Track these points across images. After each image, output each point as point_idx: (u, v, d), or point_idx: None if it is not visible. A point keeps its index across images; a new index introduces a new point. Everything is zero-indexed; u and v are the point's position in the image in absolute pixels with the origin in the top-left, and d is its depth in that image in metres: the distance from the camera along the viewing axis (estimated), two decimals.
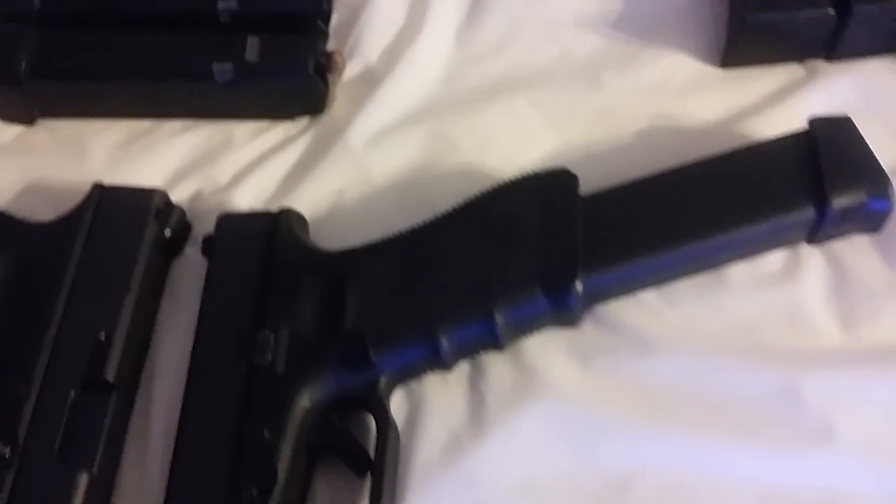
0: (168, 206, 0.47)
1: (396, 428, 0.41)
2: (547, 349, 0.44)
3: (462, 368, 0.44)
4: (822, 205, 0.43)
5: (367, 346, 0.41)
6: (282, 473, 0.38)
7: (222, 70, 0.48)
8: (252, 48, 0.48)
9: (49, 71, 0.49)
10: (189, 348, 0.43)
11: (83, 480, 0.39)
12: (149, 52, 0.49)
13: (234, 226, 0.45)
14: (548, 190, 0.44)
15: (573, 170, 0.45)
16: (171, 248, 0.47)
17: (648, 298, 0.44)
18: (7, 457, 0.39)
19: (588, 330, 0.44)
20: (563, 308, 0.42)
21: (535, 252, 0.42)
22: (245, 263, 0.44)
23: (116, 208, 0.46)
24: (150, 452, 0.42)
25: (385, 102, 0.51)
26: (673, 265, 0.44)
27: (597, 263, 0.42)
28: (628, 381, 0.43)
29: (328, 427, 0.41)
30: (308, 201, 0.49)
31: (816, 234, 0.45)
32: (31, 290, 0.43)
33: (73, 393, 0.41)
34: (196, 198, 0.49)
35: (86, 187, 0.48)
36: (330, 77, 0.50)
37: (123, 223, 0.45)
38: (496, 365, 0.44)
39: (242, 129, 0.52)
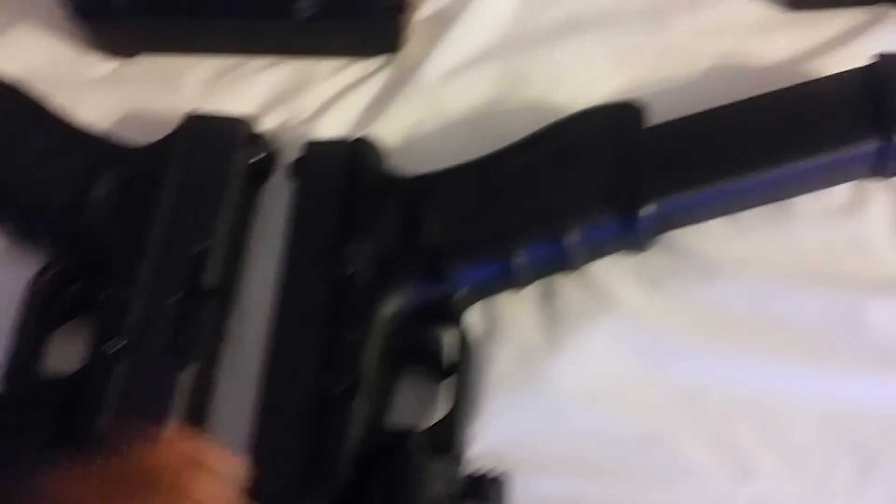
0: (254, 133, 0.50)
1: (472, 337, 0.44)
2: (615, 273, 0.46)
3: (534, 290, 0.46)
4: (885, 138, 0.44)
5: (444, 260, 0.44)
6: (366, 373, 0.42)
7: (301, 7, 0.51)
8: None
9: (146, 7, 0.52)
10: (277, 264, 0.47)
11: (185, 376, 0.43)
12: None
13: (319, 151, 0.49)
14: (616, 120, 0.47)
15: None
16: (259, 173, 0.50)
17: (715, 226, 0.46)
18: (120, 350, 0.43)
19: (656, 255, 0.46)
20: (629, 232, 0.44)
21: (604, 178, 0.45)
22: (330, 185, 0.47)
23: (207, 134, 0.49)
24: (244, 355, 0.46)
25: (458, 40, 0.54)
26: (737, 195, 0.46)
27: (662, 190, 0.44)
28: (696, 304, 0.45)
29: (409, 335, 0.44)
30: (386, 132, 0.51)
31: (881, 167, 0.46)
32: (133, 206, 0.47)
33: (174, 299, 0.44)
34: (281, 128, 0.52)
35: (176, 116, 0.52)
36: (405, 16, 0.52)
37: (214, 148, 0.48)
38: (567, 287, 0.46)
39: (323, 67, 0.54)
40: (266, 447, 0.40)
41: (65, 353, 0.45)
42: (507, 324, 0.46)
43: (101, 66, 0.55)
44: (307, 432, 0.40)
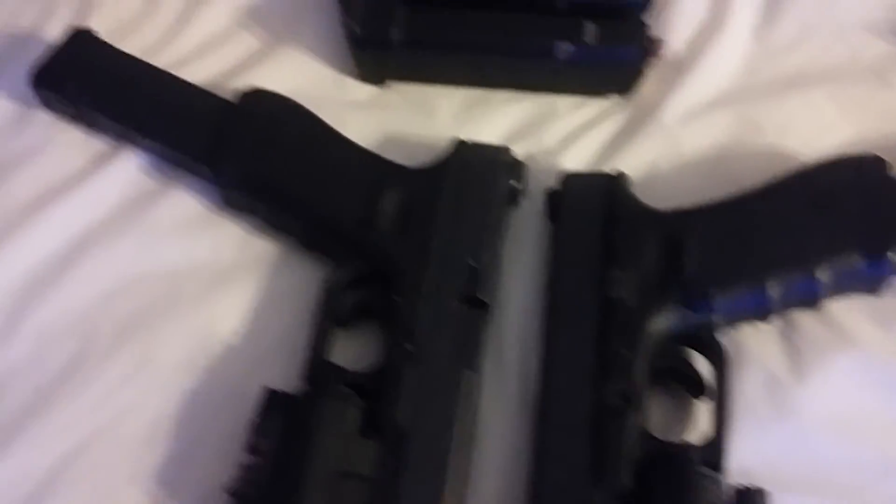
0: (516, 161, 0.55)
1: (731, 361, 0.48)
2: (852, 311, 0.50)
3: (776, 322, 0.50)
4: None
5: (705, 292, 0.48)
6: (638, 387, 0.46)
7: (563, 49, 0.56)
8: (589, 32, 0.56)
9: (416, 41, 0.57)
10: (527, 280, 0.53)
11: (470, 379, 0.47)
12: (499, 30, 0.57)
13: (578, 183, 0.53)
14: (863, 169, 0.51)
15: None
16: (513, 199, 0.55)
17: None
18: (411, 353, 0.48)
19: (888, 297, 0.50)
20: (877, 274, 0.48)
21: (856, 223, 0.49)
22: (591, 214, 0.51)
23: (477, 159, 0.54)
24: (505, 361, 0.51)
25: (694, 86, 0.58)
26: None
27: None
28: None
29: (669, 356, 0.48)
30: (625, 168, 0.56)
31: None
32: (415, 221, 0.51)
33: (456, 308, 0.49)
34: (528, 159, 0.57)
35: (435, 141, 0.57)
36: (650, 61, 0.57)
37: (483, 171, 0.53)
38: (806, 321, 0.51)
39: (562, 103, 0.59)
40: (552, 455, 0.45)
41: (348, 352, 0.51)
42: (752, 352, 0.50)
43: (361, 90, 0.61)
44: (589, 442, 0.45)
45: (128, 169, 0.58)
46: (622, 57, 0.56)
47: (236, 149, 0.54)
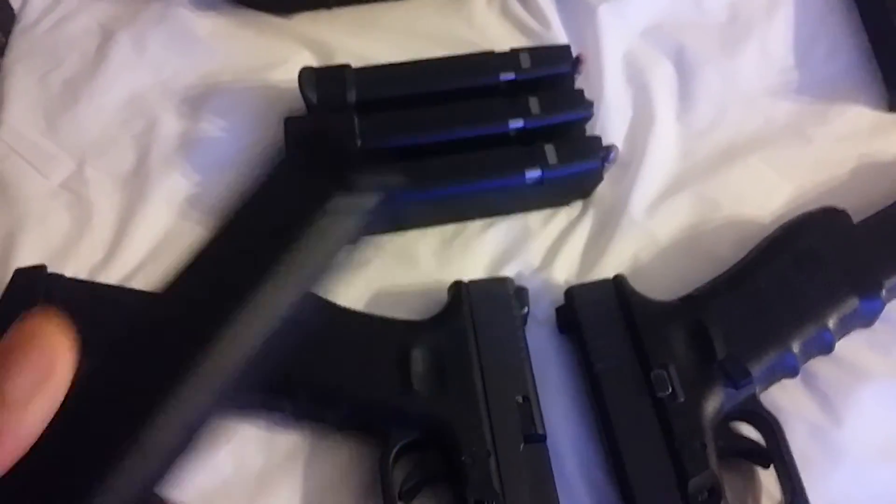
0: (520, 288, 0.56)
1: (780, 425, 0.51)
2: (851, 346, 0.55)
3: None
4: None
5: (741, 367, 0.51)
6: (720, 478, 0.48)
7: (532, 175, 0.58)
8: (551, 153, 0.59)
9: (388, 198, 0.57)
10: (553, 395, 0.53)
11: None
12: (468, 170, 0.59)
13: (583, 294, 0.55)
14: (830, 223, 0.56)
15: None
16: (524, 324, 0.56)
17: None
18: None
19: (878, 327, 0.55)
20: (872, 310, 0.53)
21: (844, 272, 0.54)
22: (612, 321, 0.53)
23: (486, 295, 0.54)
24: (571, 485, 0.51)
25: (646, 178, 0.62)
26: None
27: (892, 271, 0.53)
28: None
29: (725, 434, 0.50)
30: (611, 267, 0.59)
31: None
32: (449, 371, 0.51)
33: (522, 451, 0.49)
34: (518, 279, 0.58)
35: (424, 287, 0.58)
36: (608, 167, 0.61)
37: (495, 307, 0.54)
38: (819, 367, 0.54)
39: (533, 219, 0.62)
40: None
41: None
42: (786, 409, 0.53)
43: None
44: None
45: None
46: (585, 169, 0.59)
47: None
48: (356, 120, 0.59)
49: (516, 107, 0.61)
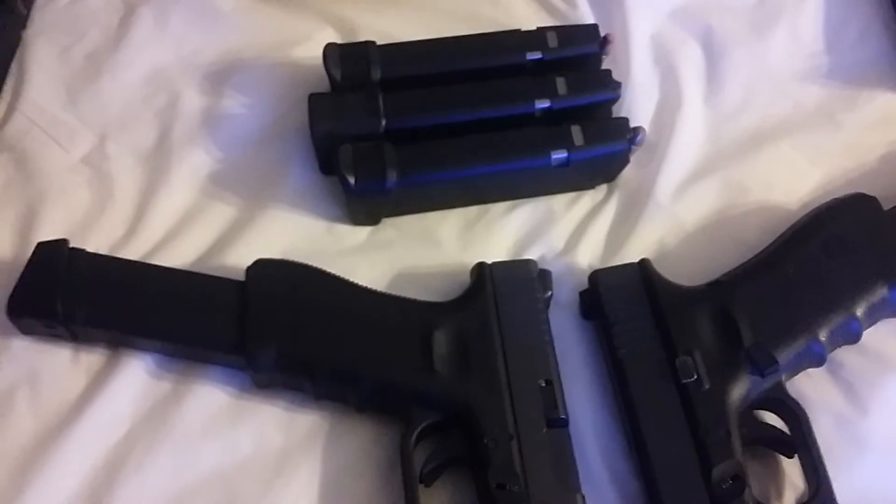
0: (543, 271, 0.55)
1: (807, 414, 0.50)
2: (879, 336, 0.54)
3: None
4: None
5: (768, 355, 0.50)
6: (744, 464, 0.47)
7: (558, 156, 0.57)
8: (577, 135, 0.58)
9: (411, 179, 0.56)
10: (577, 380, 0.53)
11: (580, 501, 0.47)
12: (491, 150, 0.58)
13: (608, 279, 0.54)
14: (857, 210, 0.55)
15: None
16: (547, 307, 0.55)
17: None
18: (519, 494, 0.46)
19: None
20: None
21: (872, 259, 0.53)
22: (637, 306, 0.53)
23: (509, 279, 0.54)
24: (592, 471, 0.50)
25: (674, 162, 0.61)
26: None
27: None
28: None
29: (750, 422, 0.50)
30: (636, 251, 0.58)
31: None
32: (472, 353, 0.51)
33: (544, 435, 0.48)
34: (542, 263, 0.57)
35: (447, 268, 0.57)
36: (634, 150, 0.60)
37: (518, 289, 0.53)
38: (846, 357, 0.54)
39: (557, 202, 0.61)
40: None
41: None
42: (812, 399, 0.52)
43: (356, 234, 0.59)
44: None
45: (134, 377, 0.53)
46: (612, 151, 0.59)
47: (267, 330, 0.51)
48: (380, 98, 0.59)
49: (543, 87, 0.60)
